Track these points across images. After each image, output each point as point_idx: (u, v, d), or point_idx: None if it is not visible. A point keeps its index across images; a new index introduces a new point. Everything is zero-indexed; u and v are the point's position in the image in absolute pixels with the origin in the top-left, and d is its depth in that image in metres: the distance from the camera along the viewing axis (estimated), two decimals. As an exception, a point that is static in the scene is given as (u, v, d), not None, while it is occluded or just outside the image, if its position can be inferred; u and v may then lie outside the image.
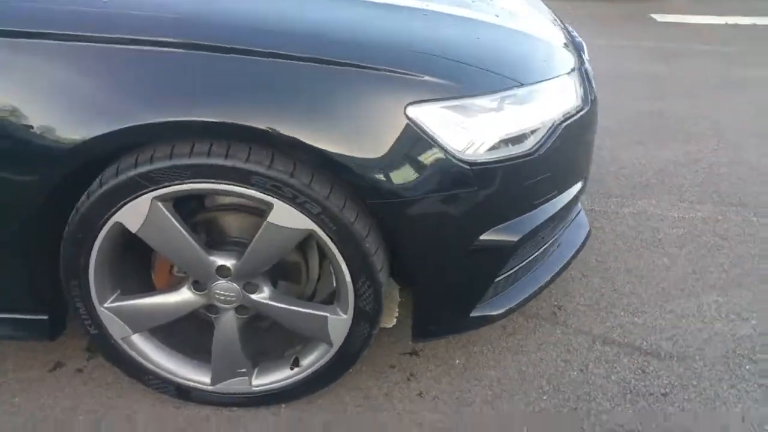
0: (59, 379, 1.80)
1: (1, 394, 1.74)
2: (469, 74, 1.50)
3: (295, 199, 1.41)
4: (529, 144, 1.56)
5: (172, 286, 1.59)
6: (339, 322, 1.58)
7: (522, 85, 1.56)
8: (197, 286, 1.56)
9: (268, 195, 1.41)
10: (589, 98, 1.81)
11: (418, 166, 1.43)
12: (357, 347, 1.63)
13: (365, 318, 1.57)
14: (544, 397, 1.80)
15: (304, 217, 1.43)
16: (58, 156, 1.36)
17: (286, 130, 1.34)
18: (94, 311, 1.56)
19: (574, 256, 1.95)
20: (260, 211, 1.59)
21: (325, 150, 1.37)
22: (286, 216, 1.43)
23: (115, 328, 1.58)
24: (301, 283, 1.70)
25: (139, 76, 1.35)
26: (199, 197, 1.61)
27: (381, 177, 1.41)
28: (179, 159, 1.37)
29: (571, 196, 1.80)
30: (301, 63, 1.38)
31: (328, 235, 1.46)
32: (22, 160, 1.38)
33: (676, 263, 2.46)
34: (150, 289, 1.64)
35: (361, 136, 1.40)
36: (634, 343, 2.02)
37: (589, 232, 2.09)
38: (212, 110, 1.34)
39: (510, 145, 1.53)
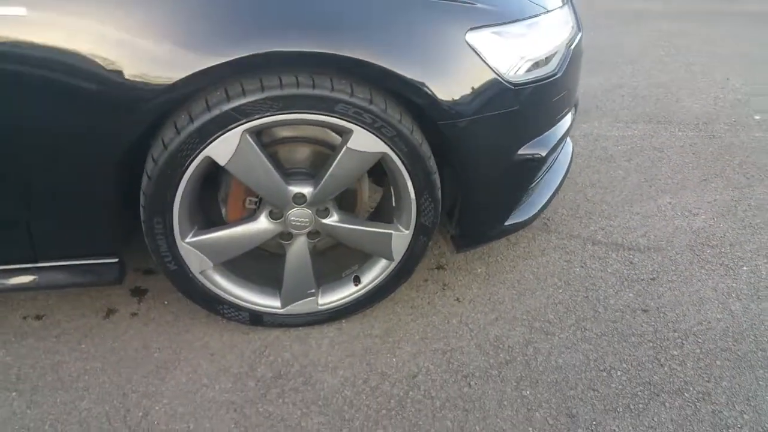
0: (117, 324, 1.83)
1: (65, 343, 1.75)
2: (510, 1, 1.67)
3: (373, 124, 1.53)
4: (553, 65, 1.77)
5: (249, 217, 1.67)
6: (401, 237, 1.74)
7: (547, 11, 1.75)
8: (273, 214, 1.65)
9: (349, 122, 1.52)
10: (579, 25, 2.04)
11: (478, 88, 1.59)
12: (414, 261, 1.80)
13: (424, 232, 1.74)
14: (560, 291, 2.07)
15: (380, 141, 1.56)
16: (155, 96, 1.39)
17: (376, 59, 1.45)
18: (175, 247, 1.60)
19: (568, 168, 2.21)
20: (321, 142, 1.70)
21: (408, 77, 1.50)
22: (364, 141, 1.56)
23: (195, 262, 1.64)
24: (356, 209, 1.82)
25: (237, 10, 1.40)
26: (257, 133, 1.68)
27: (451, 99, 1.56)
28: (271, 91, 1.44)
29: (574, 114, 2.05)
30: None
31: (399, 156, 1.60)
32: (115, 102, 1.39)
33: (630, 174, 2.81)
34: (218, 223, 1.70)
35: (433, 62, 1.54)
36: (617, 241, 2.34)
37: (573, 147, 2.36)
38: (308, 41, 1.42)
39: (540, 66, 1.73)
